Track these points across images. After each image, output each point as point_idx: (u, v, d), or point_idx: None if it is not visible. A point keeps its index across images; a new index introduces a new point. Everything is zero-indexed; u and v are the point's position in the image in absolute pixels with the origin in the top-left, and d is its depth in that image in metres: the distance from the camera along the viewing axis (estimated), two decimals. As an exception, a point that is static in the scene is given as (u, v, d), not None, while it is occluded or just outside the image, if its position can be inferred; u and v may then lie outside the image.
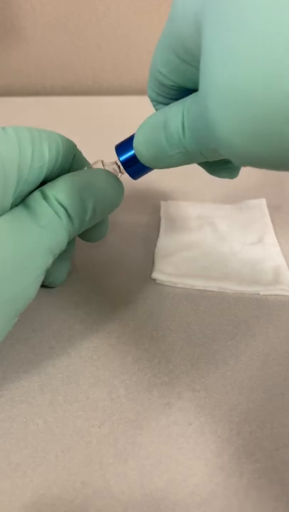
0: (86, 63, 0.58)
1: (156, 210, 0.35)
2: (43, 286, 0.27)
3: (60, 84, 0.59)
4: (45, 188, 0.21)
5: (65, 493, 0.18)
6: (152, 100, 0.20)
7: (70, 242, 0.25)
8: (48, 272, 0.25)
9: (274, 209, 0.35)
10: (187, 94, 0.18)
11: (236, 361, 0.23)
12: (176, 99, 0.19)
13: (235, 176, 0.23)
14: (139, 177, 0.23)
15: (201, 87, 0.14)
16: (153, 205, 0.35)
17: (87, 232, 0.24)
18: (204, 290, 0.27)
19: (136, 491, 0.18)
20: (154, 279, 0.28)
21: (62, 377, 0.22)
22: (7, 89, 0.59)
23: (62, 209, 0.20)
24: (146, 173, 0.23)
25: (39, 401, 0.21)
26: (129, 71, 0.58)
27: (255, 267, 0.29)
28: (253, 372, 0.23)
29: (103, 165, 0.24)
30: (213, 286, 0.27)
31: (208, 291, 0.27)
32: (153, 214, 0.35)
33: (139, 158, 0.20)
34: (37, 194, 0.20)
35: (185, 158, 0.19)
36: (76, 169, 0.23)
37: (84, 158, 0.24)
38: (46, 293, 0.27)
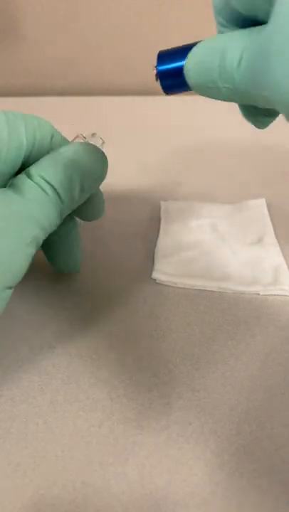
0: (86, 63, 0.58)
1: (156, 210, 0.35)
2: (58, 272, 0.28)
3: (60, 85, 0.59)
4: (29, 168, 0.21)
5: (65, 493, 0.18)
6: (218, 23, 0.19)
7: (73, 227, 0.26)
8: (62, 257, 0.26)
9: (274, 209, 0.35)
10: (255, 25, 0.17)
11: (236, 361, 0.23)
12: (243, 27, 0.17)
13: (266, 127, 0.22)
14: (172, 93, 0.22)
15: (268, 32, 0.14)
16: (153, 205, 0.35)
17: (84, 209, 0.24)
18: (204, 290, 0.28)
19: (136, 490, 0.18)
20: (154, 279, 0.28)
21: (63, 377, 0.22)
22: (7, 90, 0.59)
23: (48, 185, 0.20)
24: (181, 92, 0.21)
25: (39, 401, 0.21)
26: (129, 71, 0.58)
27: (255, 267, 0.29)
28: (253, 372, 0.23)
29: (84, 138, 0.24)
30: (213, 286, 0.27)
31: (208, 291, 0.27)
32: (153, 214, 0.35)
33: (187, 79, 0.19)
34: (22, 175, 0.21)
35: (231, 95, 0.18)
36: (56, 148, 0.23)
37: (63, 136, 0.24)
38: (46, 292, 0.27)
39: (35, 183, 0.20)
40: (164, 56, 0.21)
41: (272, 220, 0.33)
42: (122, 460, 0.19)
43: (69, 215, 0.23)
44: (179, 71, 0.19)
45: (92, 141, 0.23)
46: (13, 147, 0.20)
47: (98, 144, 0.23)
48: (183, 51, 0.20)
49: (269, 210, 0.34)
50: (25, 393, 0.22)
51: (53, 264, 0.27)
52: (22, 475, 0.19)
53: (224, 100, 0.19)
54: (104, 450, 0.19)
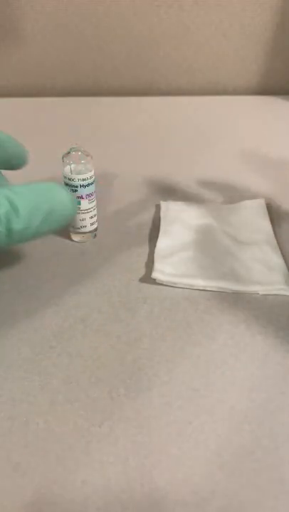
0: (86, 64, 0.58)
1: (156, 210, 0.35)
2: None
3: (60, 85, 0.59)
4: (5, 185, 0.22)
5: (65, 492, 0.18)
6: None
7: None
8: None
9: (274, 209, 0.35)
10: None
11: (236, 360, 0.23)
12: None
13: None
14: None
15: None
16: (153, 205, 0.36)
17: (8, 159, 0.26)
18: (204, 290, 0.28)
19: (136, 490, 0.18)
20: (154, 279, 0.28)
21: (63, 377, 0.22)
22: (8, 91, 0.59)
23: (7, 201, 0.21)
24: None
25: (40, 400, 0.21)
26: (129, 71, 0.58)
27: (254, 266, 0.29)
28: (253, 372, 0.23)
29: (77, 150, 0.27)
30: (212, 286, 0.27)
31: (208, 291, 0.28)
32: (153, 214, 0.35)
33: None
34: None
35: None
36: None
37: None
38: (47, 293, 0.27)
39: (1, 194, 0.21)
40: None
41: (271, 220, 0.33)
42: (122, 459, 0.19)
43: None
44: None
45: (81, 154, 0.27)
46: None
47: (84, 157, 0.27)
48: None
49: (269, 210, 0.34)
50: (26, 393, 0.22)
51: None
52: (22, 474, 0.19)
53: None
54: (105, 449, 0.20)
